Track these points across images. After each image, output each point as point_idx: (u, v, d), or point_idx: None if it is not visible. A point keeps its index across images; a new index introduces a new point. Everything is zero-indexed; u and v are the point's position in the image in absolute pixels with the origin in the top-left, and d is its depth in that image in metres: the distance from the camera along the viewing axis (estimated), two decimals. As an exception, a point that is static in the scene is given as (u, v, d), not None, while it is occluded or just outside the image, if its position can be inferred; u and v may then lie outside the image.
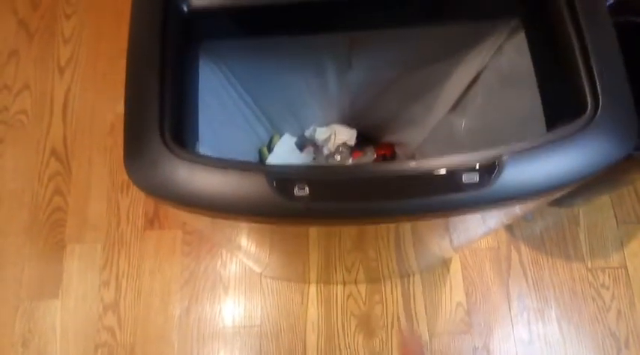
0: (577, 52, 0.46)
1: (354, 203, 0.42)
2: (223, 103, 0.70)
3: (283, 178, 0.42)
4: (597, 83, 0.45)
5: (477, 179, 0.42)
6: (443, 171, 0.42)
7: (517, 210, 0.54)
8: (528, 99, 0.54)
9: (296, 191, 0.42)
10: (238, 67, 0.66)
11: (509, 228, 1.12)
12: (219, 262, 1.09)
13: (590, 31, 0.46)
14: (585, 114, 0.44)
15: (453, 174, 0.42)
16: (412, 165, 0.43)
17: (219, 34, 0.54)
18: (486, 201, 0.43)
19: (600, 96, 0.44)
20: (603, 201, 1.15)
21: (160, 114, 0.44)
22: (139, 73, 0.46)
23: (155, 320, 1.04)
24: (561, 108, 0.49)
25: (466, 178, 0.42)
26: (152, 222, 1.11)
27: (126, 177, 1.17)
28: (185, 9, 0.48)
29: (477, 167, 0.42)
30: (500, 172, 0.42)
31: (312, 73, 0.72)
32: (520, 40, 0.55)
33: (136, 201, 1.12)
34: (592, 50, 0.46)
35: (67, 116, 1.18)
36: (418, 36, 0.62)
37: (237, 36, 0.54)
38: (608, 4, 0.78)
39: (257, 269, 1.05)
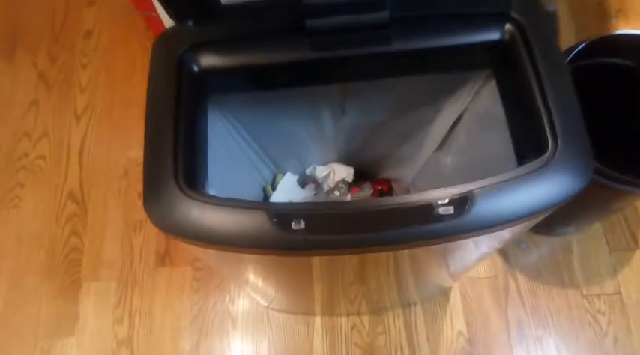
0: (538, 99, 0.53)
1: (345, 235, 0.48)
2: (230, 147, 0.77)
3: (282, 214, 0.48)
4: (556, 126, 0.51)
5: (452, 211, 0.48)
6: (422, 205, 0.48)
7: (494, 237, 0.59)
8: (502, 138, 0.60)
9: (293, 225, 0.48)
10: (243, 114, 0.73)
11: (506, 257, 1.17)
12: (228, 297, 1.13)
13: (548, 81, 0.53)
14: (546, 153, 0.50)
15: (431, 207, 0.48)
16: (395, 200, 0.49)
17: (225, 88, 0.61)
18: (461, 230, 0.48)
19: (558, 138, 0.51)
20: (595, 229, 1.19)
21: (174, 162, 0.51)
22: (156, 126, 0.53)
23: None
24: (528, 147, 0.55)
25: (442, 210, 0.48)
26: (163, 259, 1.16)
27: (139, 216, 1.24)
28: (195, 69, 0.56)
29: (451, 200, 0.48)
30: (472, 205, 0.48)
31: (311, 118, 0.79)
32: (493, 87, 0.62)
33: (148, 239, 1.18)
34: (550, 97, 0.52)
35: (84, 161, 1.26)
36: (405, 84, 0.70)
37: (241, 90, 0.62)
38: (579, 48, 0.85)
39: (263, 302, 1.09)
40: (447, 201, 0.48)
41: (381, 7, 0.53)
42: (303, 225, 0.48)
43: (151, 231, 1.18)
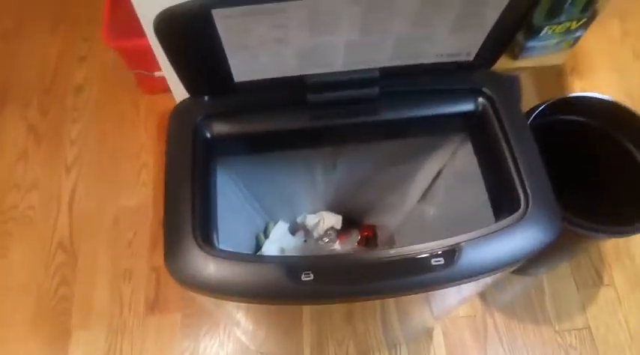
0: (509, 162, 0.61)
1: (349, 285, 0.54)
2: (231, 201, 0.82)
3: (292, 267, 0.54)
4: (526, 186, 0.59)
5: (443, 261, 0.55)
6: (416, 257, 0.55)
7: (477, 283, 0.66)
8: (477, 193, 0.68)
9: (302, 277, 0.53)
10: (245, 173, 0.79)
11: (484, 297, 1.23)
12: (217, 342, 1.15)
13: (517, 145, 0.62)
14: (519, 210, 0.58)
15: (425, 259, 0.55)
16: (393, 252, 0.56)
17: (233, 152, 0.68)
18: (450, 279, 0.55)
19: (529, 196, 0.59)
20: (564, 269, 1.27)
21: (192, 220, 0.56)
22: (175, 187, 0.58)
23: (156, 403, 1.09)
24: (503, 203, 0.63)
25: (434, 261, 0.55)
26: (153, 307, 1.18)
27: (128, 265, 1.26)
28: (209, 136, 0.62)
29: (442, 252, 0.55)
30: (459, 255, 0.55)
31: (305, 174, 0.86)
32: (469, 148, 0.71)
33: (138, 287, 1.20)
34: (520, 160, 0.61)
35: (74, 211, 1.28)
36: (391, 144, 0.78)
37: (247, 153, 0.68)
38: (542, 107, 0.95)
39: (253, 347, 1.12)
40: (439, 252, 0.55)
41: (373, 84, 0.61)
42: (311, 276, 0.53)
43: (141, 279, 1.20)
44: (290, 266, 0.54)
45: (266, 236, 1.01)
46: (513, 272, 1.24)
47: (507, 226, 0.57)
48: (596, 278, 1.26)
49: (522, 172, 0.60)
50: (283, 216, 1.03)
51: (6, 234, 1.25)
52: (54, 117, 1.41)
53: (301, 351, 1.12)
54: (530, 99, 0.98)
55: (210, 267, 0.54)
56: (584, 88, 1.47)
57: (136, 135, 1.38)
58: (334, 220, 1.02)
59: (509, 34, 0.59)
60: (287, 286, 0.53)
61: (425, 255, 0.55)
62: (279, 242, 0.99)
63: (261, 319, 0.83)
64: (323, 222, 1.01)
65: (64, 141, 1.38)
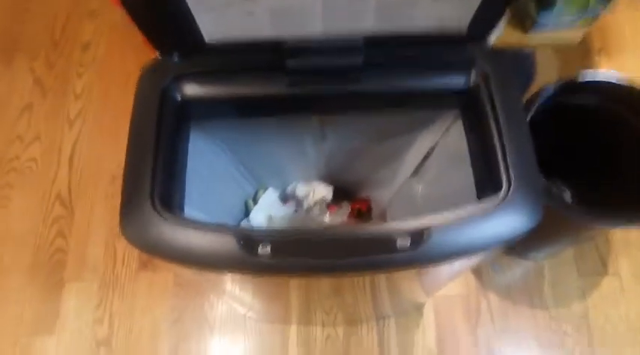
0: (496, 142, 0.57)
1: (307, 259, 0.52)
2: (213, 165, 0.80)
3: (249, 238, 0.52)
4: (509, 168, 0.55)
5: (409, 243, 0.52)
6: (381, 236, 0.52)
7: (451, 267, 0.63)
8: (467, 173, 0.64)
9: (260, 249, 0.51)
10: (226, 136, 0.76)
11: (479, 277, 1.20)
12: (207, 303, 1.16)
13: (506, 126, 0.57)
14: (500, 193, 0.54)
15: (390, 239, 0.52)
16: (356, 230, 0.53)
17: (208, 116, 0.65)
18: (416, 262, 0.52)
19: (512, 180, 0.54)
20: (567, 255, 1.23)
21: (152, 184, 0.54)
22: (137, 149, 0.56)
23: (144, 357, 1.12)
24: (486, 185, 0.59)
25: (400, 242, 0.52)
26: (146, 264, 1.19)
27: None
28: (179, 98, 0.60)
29: (409, 233, 0.52)
30: (428, 238, 0.52)
31: (292, 142, 0.83)
32: (461, 126, 0.66)
33: (132, 244, 1.21)
34: (507, 141, 0.56)
35: (74, 165, 1.29)
36: (381, 116, 0.74)
37: (222, 117, 0.66)
38: (550, 89, 0.89)
39: (242, 310, 1.13)
40: (405, 233, 0.52)
41: (357, 53, 0.57)
42: (268, 249, 0.51)
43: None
44: (247, 237, 0.52)
45: (255, 202, 0.99)
46: (513, 255, 1.22)
47: (484, 209, 0.53)
48: (600, 267, 1.21)
49: (508, 154, 0.56)
50: (273, 183, 1.01)
51: (7, 184, 1.27)
52: (60, 71, 1.41)
53: (289, 317, 1.13)
54: (551, 80, 0.91)
55: (164, 233, 0.52)
56: (612, 69, 1.38)
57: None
58: (325, 191, 1.00)
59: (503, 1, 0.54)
60: (242, 257, 0.51)
61: (390, 235, 0.52)
62: (267, 209, 0.97)
63: (245, 285, 0.82)
64: (313, 193, 0.98)
65: (69, 96, 1.37)
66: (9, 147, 1.31)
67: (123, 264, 1.19)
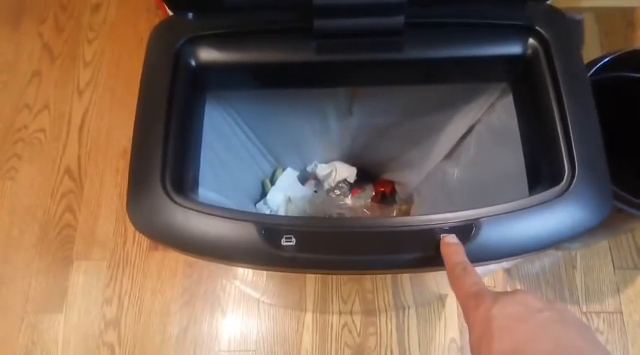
0: (557, 122, 0.49)
1: (337, 255, 0.45)
2: (229, 140, 0.74)
3: (271, 229, 0.45)
4: (574, 154, 0.47)
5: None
6: (422, 230, 0.45)
7: (492, 267, 0.56)
8: (515, 157, 0.57)
9: (283, 241, 0.45)
10: (244, 108, 0.69)
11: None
12: (219, 285, 1.11)
13: (570, 102, 0.49)
14: (561, 183, 0.47)
15: (432, 234, 0.45)
16: (394, 222, 0.46)
17: (224, 85, 0.58)
18: (462, 261, 0.45)
19: (577, 168, 0.47)
20: (601, 245, 1.15)
21: (163, 162, 0.47)
22: (146, 123, 0.49)
23: (153, 338, 1.07)
24: (541, 172, 0.51)
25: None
26: (157, 244, 1.14)
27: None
28: (193, 63, 0.52)
29: (455, 227, 0.45)
30: (477, 234, 0.45)
31: (315, 117, 0.75)
32: (509, 102, 0.58)
33: (143, 221, 1.16)
34: (571, 121, 0.48)
35: (83, 137, 1.23)
36: (416, 90, 0.66)
37: (240, 87, 0.58)
38: (605, 60, 0.81)
39: (255, 295, 1.07)
40: (451, 227, 0.45)
41: (398, 12, 0.48)
42: (293, 241, 0.45)
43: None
44: (270, 227, 0.45)
45: (272, 182, 0.93)
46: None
47: (543, 202, 0.46)
48: (637, 261, 1.14)
49: (572, 138, 0.48)
50: (293, 162, 0.94)
51: (15, 155, 1.21)
52: (69, 35, 1.34)
53: (304, 304, 1.07)
54: (591, 51, 0.82)
55: (177, 219, 0.46)
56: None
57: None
58: (347, 172, 0.93)
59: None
60: (264, 250, 0.45)
61: (433, 230, 0.45)
62: (286, 190, 0.90)
63: (260, 273, 0.76)
64: (335, 173, 0.91)
65: (78, 63, 1.31)
66: (17, 115, 1.25)
67: (134, 242, 1.14)
